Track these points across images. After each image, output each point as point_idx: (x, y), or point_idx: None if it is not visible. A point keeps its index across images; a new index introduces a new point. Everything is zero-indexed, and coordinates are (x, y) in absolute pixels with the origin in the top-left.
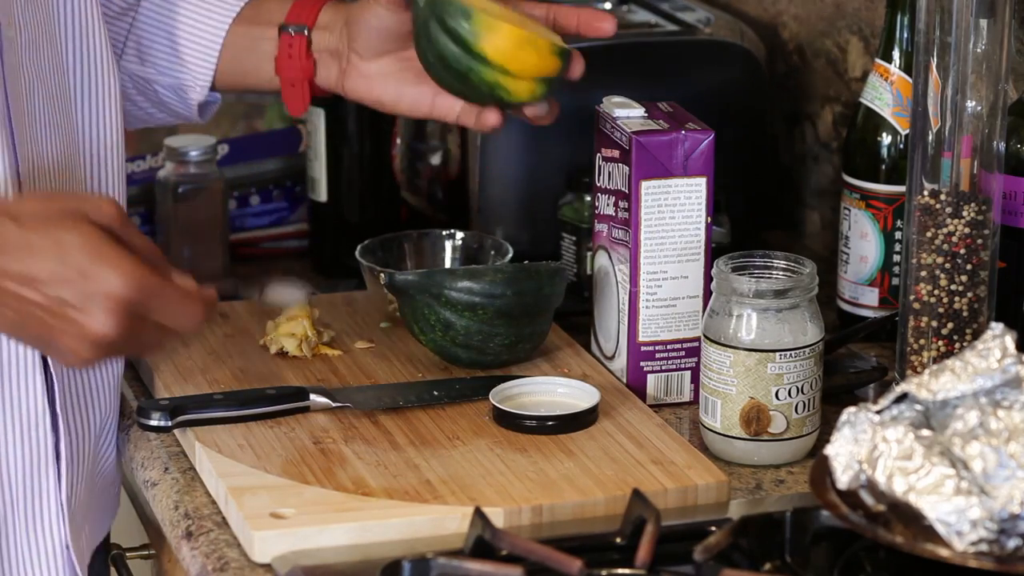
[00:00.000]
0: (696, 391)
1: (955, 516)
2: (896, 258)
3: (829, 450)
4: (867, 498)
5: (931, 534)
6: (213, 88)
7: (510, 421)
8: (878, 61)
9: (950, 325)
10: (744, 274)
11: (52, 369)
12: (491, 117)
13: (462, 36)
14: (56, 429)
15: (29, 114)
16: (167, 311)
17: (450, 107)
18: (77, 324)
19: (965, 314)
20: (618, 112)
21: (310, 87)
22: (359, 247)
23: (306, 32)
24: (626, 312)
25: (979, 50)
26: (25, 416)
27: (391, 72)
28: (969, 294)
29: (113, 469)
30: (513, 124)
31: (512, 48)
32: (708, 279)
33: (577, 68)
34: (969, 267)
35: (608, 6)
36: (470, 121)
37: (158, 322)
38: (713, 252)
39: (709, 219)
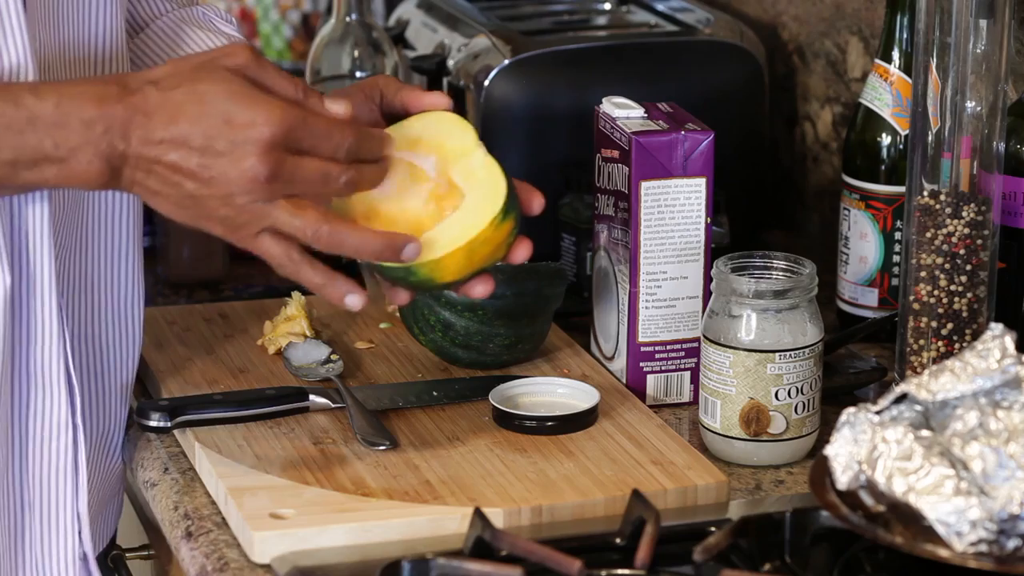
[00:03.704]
0: (696, 392)
1: (955, 516)
2: (896, 259)
3: (829, 450)
4: (867, 499)
5: (931, 534)
6: None
7: (510, 421)
8: (878, 62)
9: (950, 326)
10: (744, 274)
11: (73, 381)
12: (401, 296)
13: (419, 286)
14: (75, 440)
15: None
16: (317, 141)
17: None
18: (228, 179)
19: (965, 315)
20: (618, 112)
21: None
22: None
23: None
24: (626, 312)
25: (979, 51)
26: (47, 428)
27: None
28: (969, 295)
29: (118, 476)
30: (512, 125)
31: (465, 262)
32: (708, 280)
33: (537, 204)
34: (969, 268)
35: (608, 6)
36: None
37: (313, 156)
38: (713, 252)
39: (709, 219)
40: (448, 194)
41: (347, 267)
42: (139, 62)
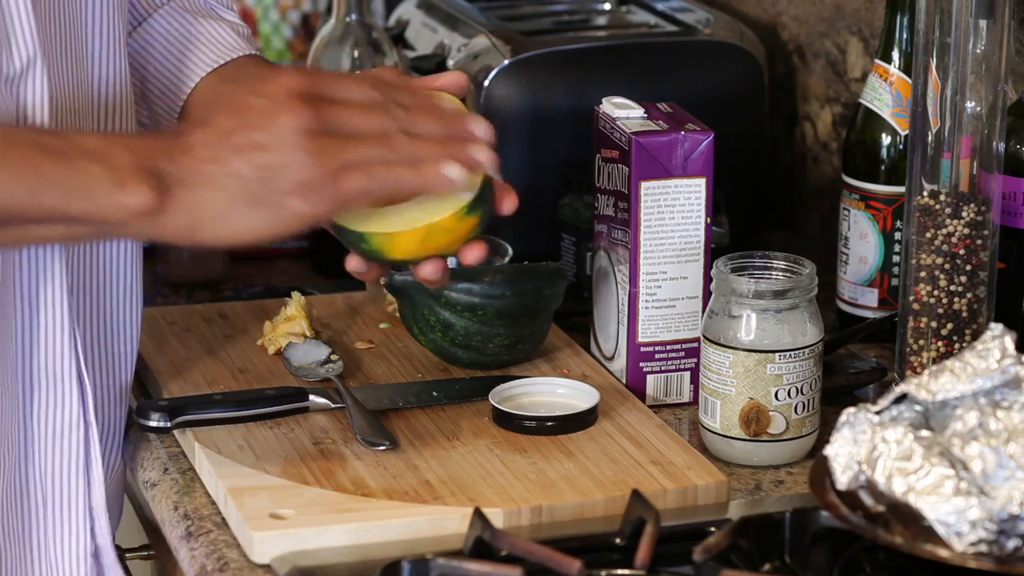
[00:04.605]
0: (695, 392)
1: (954, 517)
2: (895, 259)
3: (828, 451)
4: (866, 499)
5: (930, 535)
6: None
7: (510, 422)
8: (877, 62)
9: (949, 326)
10: (743, 275)
11: (84, 377)
12: (353, 261)
13: (371, 255)
14: (88, 437)
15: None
16: (344, 91)
17: None
18: (280, 139)
19: (964, 315)
20: (617, 113)
21: None
22: None
23: None
24: (625, 313)
25: (978, 51)
26: (58, 426)
27: None
28: (968, 295)
29: (119, 479)
30: (512, 125)
31: (419, 245)
32: (707, 280)
33: (508, 205)
34: (968, 268)
35: (608, 6)
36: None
37: (350, 106)
38: (713, 252)
39: (708, 220)
40: None
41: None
42: (144, 51)
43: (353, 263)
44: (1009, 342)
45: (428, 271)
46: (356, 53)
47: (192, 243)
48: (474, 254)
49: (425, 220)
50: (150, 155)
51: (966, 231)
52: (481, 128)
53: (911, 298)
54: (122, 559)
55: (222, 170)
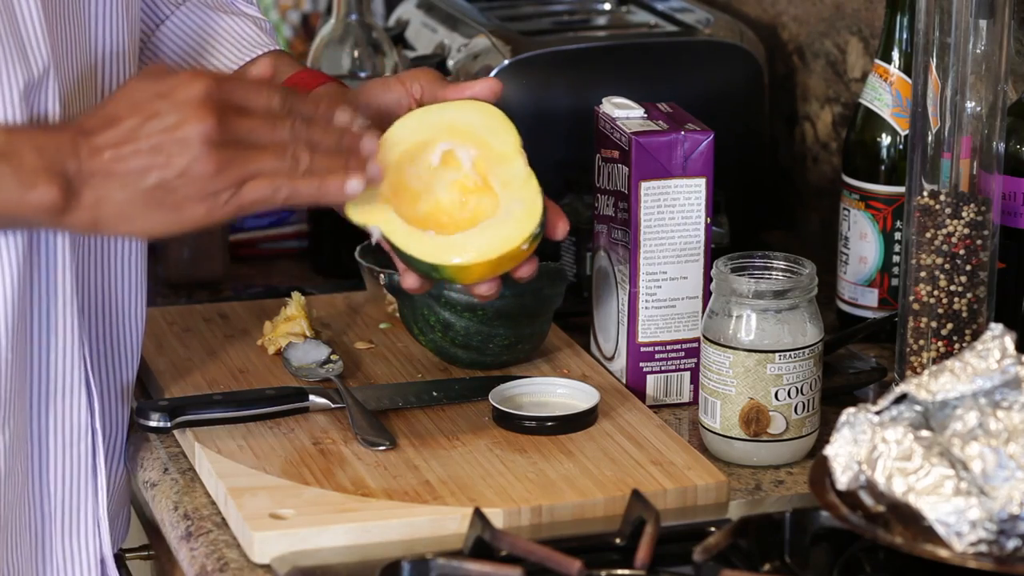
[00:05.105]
0: (695, 392)
1: (954, 517)
2: (895, 259)
3: (828, 451)
4: (866, 499)
5: (930, 535)
6: None
7: (510, 422)
8: (877, 62)
9: (949, 326)
10: (743, 275)
11: (92, 384)
12: (410, 279)
13: (436, 278)
14: (95, 444)
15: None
16: (247, 94)
17: None
18: (184, 145)
19: (964, 315)
20: (617, 113)
21: None
22: (358, 248)
23: None
24: (625, 313)
25: (978, 51)
26: (67, 434)
27: None
28: (968, 295)
29: (125, 484)
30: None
31: (488, 272)
32: (707, 280)
33: (560, 229)
34: (968, 268)
35: (608, 6)
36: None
37: (254, 117)
38: (713, 252)
39: (708, 220)
40: (476, 190)
41: (345, 267)
42: (163, 48)
43: (410, 281)
44: (1009, 342)
45: (484, 288)
46: (356, 53)
47: (97, 234)
48: (527, 270)
49: (499, 250)
50: (58, 155)
51: (966, 231)
52: (370, 145)
53: (911, 298)
54: (122, 560)
55: (126, 170)
